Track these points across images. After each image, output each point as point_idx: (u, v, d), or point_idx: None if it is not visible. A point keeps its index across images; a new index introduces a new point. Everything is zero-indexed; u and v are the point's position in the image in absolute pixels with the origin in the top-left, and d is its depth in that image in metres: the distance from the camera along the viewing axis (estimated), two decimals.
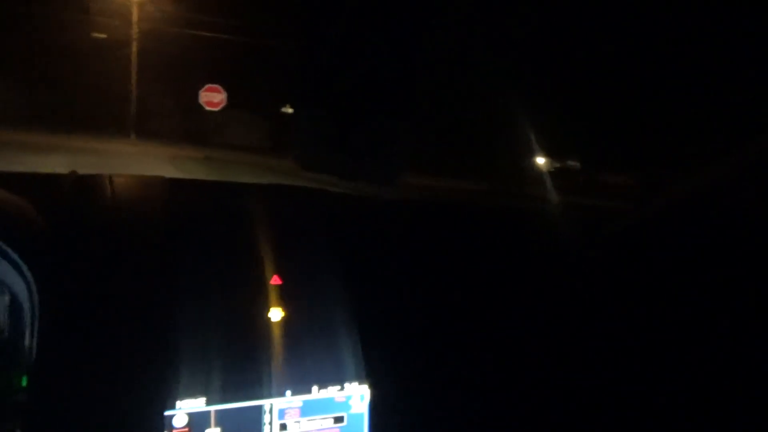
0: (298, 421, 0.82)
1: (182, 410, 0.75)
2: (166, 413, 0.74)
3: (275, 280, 0.83)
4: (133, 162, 10.07)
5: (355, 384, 0.85)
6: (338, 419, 0.84)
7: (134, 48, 18.20)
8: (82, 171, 0.97)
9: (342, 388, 0.84)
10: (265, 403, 0.80)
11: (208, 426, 0.76)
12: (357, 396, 0.85)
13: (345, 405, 0.84)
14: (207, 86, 15.47)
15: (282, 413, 0.81)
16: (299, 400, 0.82)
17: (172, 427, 0.74)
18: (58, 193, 0.90)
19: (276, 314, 0.82)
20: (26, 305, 0.74)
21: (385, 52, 0.76)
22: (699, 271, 1.18)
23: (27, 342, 0.73)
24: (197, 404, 0.76)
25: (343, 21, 0.77)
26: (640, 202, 1.35)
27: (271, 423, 0.80)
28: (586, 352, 1.03)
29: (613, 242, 1.27)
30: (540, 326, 1.01)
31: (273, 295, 0.83)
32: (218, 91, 15.48)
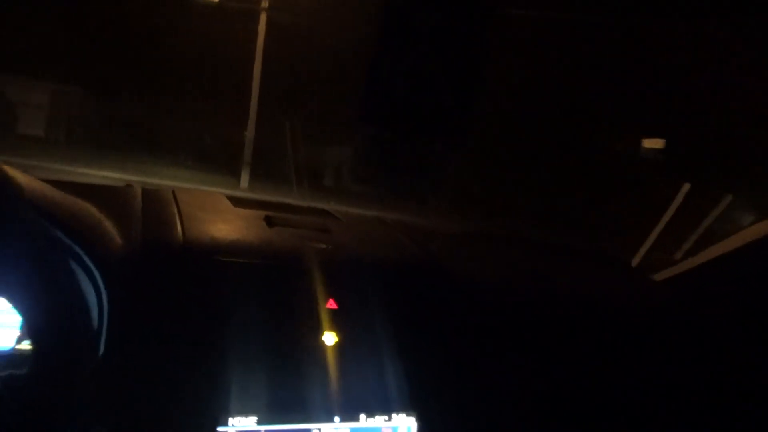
0: None
1: (234, 427, 0.75)
2: (219, 429, 0.75)
3: (331, 305, 0.84)
4: None
5: (403, 415, 0.84)
6: None
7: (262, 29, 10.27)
8: None
9: (389, 419, 0.84)
10: (314, 427, 0.80)
11: None
12: (404, 427, 0.84)
13: None
14: None
15: None
16: (347, 427, 0.81)
17: None
18: (128, 205, 0.93)
19: (330, 339, 0.82)
20: (94, 312, 0.76)
21: (452, 83, 0.77)
22: None
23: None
24: (248, 423, 0.76)
25: (415, 51, 0.79)
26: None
27: None
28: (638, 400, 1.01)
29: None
30: (591, 370, 0.99)
31: (328, 320, 0.83)
32: None
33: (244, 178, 10.22)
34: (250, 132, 10.52)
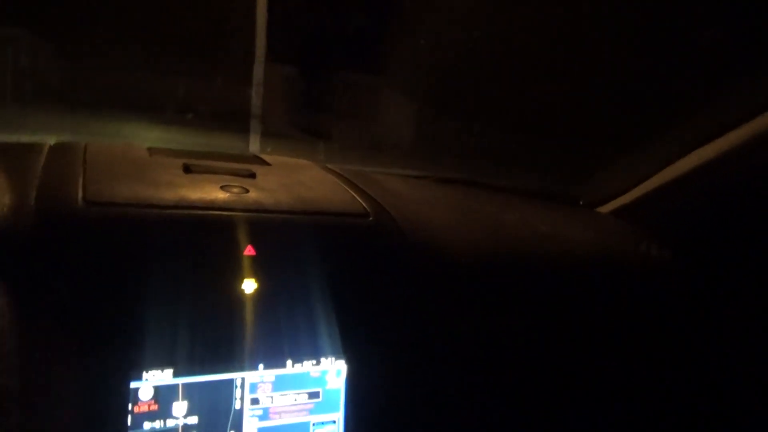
0: (271, 396, 0.79)
1: (148, 382, 0.72)
2: (132, 384, 0.71)
3: (249, 251, 0.80)
4: None
5: (332, 359, 0.82)
6: (313, 395, 0.81)
7: None
8: None
9: (318, 363, 0.81)
10: (236, 376, 0.77)
11: (176, 399, 0.74)
12: (333, 371, 0.82)
13: (320, 380, 0.81)
14: None
15: (254, 387, 0.78)
16: (272, 374, 0.79)
17: (137, 400, 0.72)
18: (29, 163, 0.87)
19: (249, 286, 0.79)
20: None
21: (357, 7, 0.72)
22: None
23: None
24: (164, 376, 0.73)
25: None
26: None
27: (242, 398, 0.78)
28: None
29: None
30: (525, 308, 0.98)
31: (247, 266, 0.79)
32: None
33: (254, 139, 8.19)
34: (257, 75, 7.92)
